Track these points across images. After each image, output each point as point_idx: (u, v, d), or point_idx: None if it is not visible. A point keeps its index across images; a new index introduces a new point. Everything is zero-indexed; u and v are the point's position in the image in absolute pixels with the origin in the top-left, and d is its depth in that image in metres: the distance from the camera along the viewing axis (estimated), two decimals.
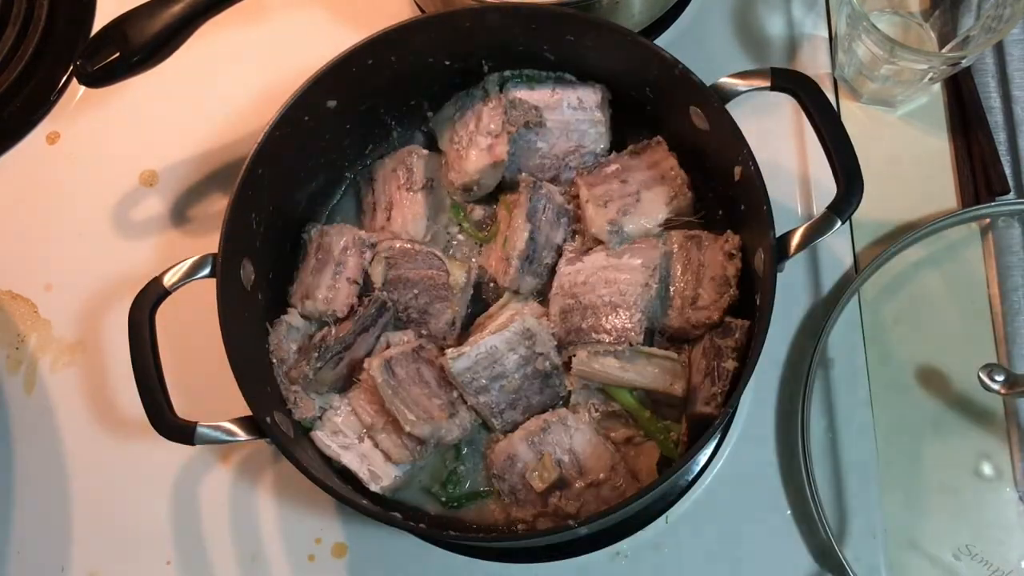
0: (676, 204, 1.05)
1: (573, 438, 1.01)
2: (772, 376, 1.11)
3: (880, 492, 1.05)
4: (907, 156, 1.17)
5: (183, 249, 1.09)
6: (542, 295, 1.08)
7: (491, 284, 1.10)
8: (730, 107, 0.96)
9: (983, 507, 1.05)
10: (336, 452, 1.01)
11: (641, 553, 1.07)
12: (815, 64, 1.20)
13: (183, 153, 1.25)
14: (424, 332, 1.07)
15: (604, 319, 1.01)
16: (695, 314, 1.01)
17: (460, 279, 1.06)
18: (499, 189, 1.13)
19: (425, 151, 1.13)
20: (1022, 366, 1.08)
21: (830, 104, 0.96)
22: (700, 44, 1.22)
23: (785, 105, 1.15)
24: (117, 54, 1.02)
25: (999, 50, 1.19)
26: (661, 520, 1.08)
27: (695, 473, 1.08)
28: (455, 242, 1.14)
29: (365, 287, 1.08)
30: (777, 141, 1.17)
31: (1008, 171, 1.15)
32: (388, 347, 1.04)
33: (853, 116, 1.19)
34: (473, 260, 1.12)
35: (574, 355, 1.02)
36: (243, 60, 1.27)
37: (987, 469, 1.06)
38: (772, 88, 0.96)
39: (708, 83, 0.97)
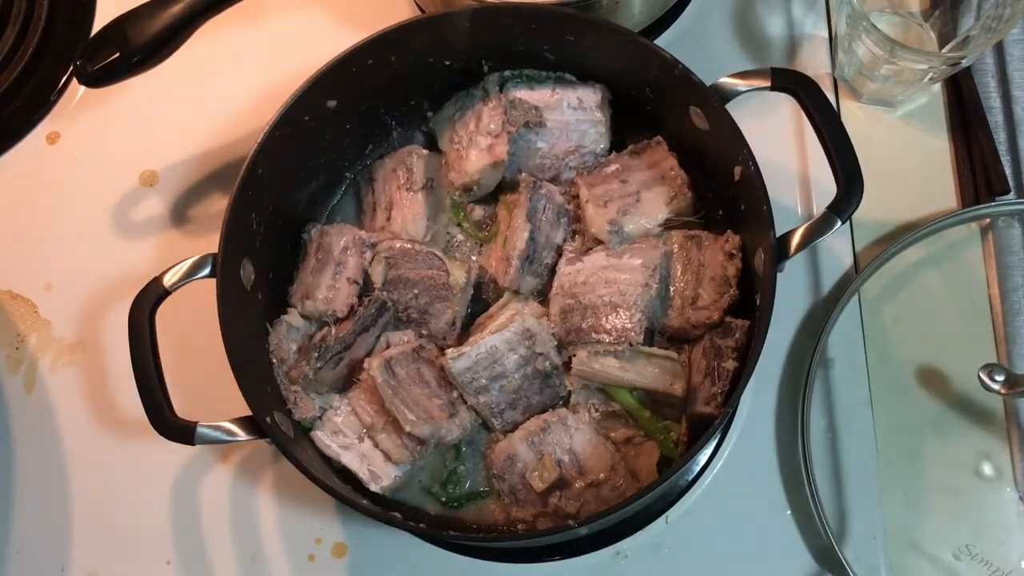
0: (676, 204, 1.05)
1: (573, 438, 1.01)
2: (772, 376, 1.11)
3: (880, 492, 1.05)
4: (907, 156, 1.17)
5: (183, 249, 1.09)
6: (542, 295, 1.08)
7: (491, 284, 1.10)
8: (730, 107, 0.96)
9: (983, 507, 1.05)
10: (336, 452, 1.01)
11: (641, 553, 1.07)
12: (815, 64, 1.20)
13: (183, 153, 1.25)
14: (424, 332, 1.07)
15: (604, 319, 1.01)
16: (695, 314, 1.01)
17: (460, 279, 1.06)
18: (499, 189, 1.13)
19: (425, 151, 1.13)
20: (1022, 366, 1.08)
21: (830, 104, 0.96)
22: (700, 44, 1.22)
23: (785, 105, 1.15)
24: (117, 54, 1.02)
25: (999, 50, 1.19)
26: (661, 520, 1.08)
27: (695, 473, 1.08)
28: (455, 242, 1.14)
29: (365, 287, 1.08)
30: (777, 141, 1.17)
31: (1008, 171, 1.15)
32: (388, 347, 1.04)
33: (853, 116, 1.19)
34: (473, 260, 1.12)
35: (574, 355, 1.02)
36: (243, 60, 1.27)
37: (987, 469, 1.06)
38: (772, 88, 0.96)
39: (708, 83, 0.97)
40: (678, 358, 1.02)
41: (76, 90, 1.29)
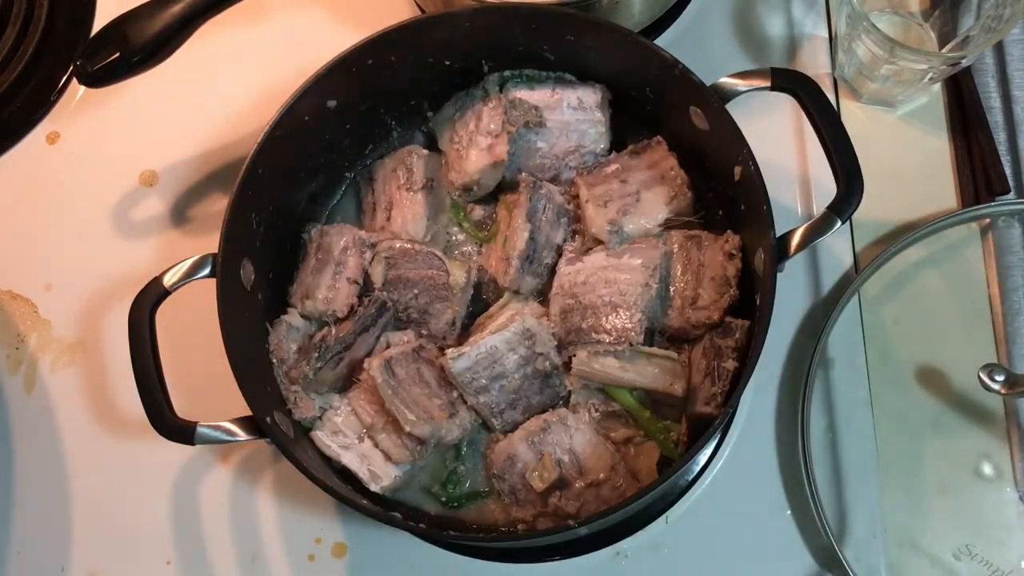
0: (676, 204, 1.05)
1: (573, 438, 1.01)
2: (772, 376, 1.11)
3: (880, 492, 1.05)
4: (907, 156, 1.17)
5: (183, 249, 1.09)
6: (542, 295, 1.08)
7: (491, 284, 1.10)
8: (730, 107, 0.96)
9: (983, 507, 1.05)
10: (336, 452, 1.01)
11: (641, 553, 1.07)
12: (815, 64, 1.20)
13: (183, 153, 1.25)
14: (424, 332, 1.07)
15: (604, 319, 1.01)
16: (695, 314, 1.01)
17: (460, 279, 1.06)
18: (499, 189, 1.13)
19: (425, 151, 1.13)
20: (1022, 366, 1.08)
21: (830, 104, 0.96)
22: (700, 44, 1.22)
23: (785, 105, 1.15)
24: (117, 54, 1.02)
25: (999, 50, 1.19)
26: (661, 520, 1.08)
27: (695, 473, 1.08)
28: (455, 242, 1.14)
29: (365, 287, 1.08)
30: (777, 141, 1.17)
31: (1008, 171, 1.15)
32: (388, 347, 1.04)
33: (853, 116, 1.19)
34: (473, 260, 1.12)
35: (574, 355, 1.02)
36: (243, 60, 1.27)
37: (987, 469, 1.06)
38: (772, 88, 0.96)
39: (708, 83, 0.97)
40: (678, 358, 1.02)
41: (76, 90, 1.29)
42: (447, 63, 1.09)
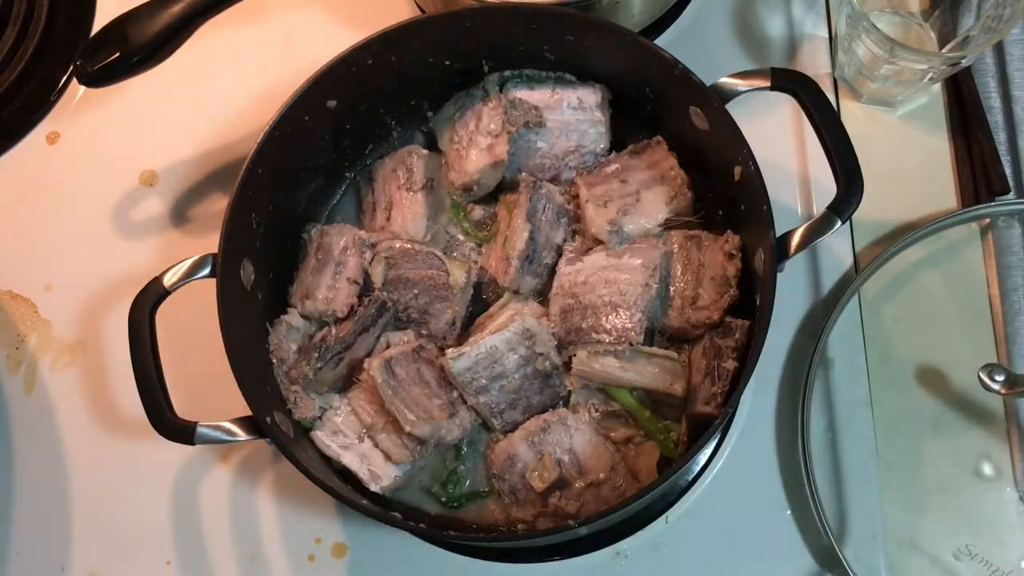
0: (676, 204, 1.05)
1: (573, 438, 1.01)
2: (772, 376, 1.11)
3: (880, 492, 1.05)
4: (907, 156, 1.17)
5: (183, 249, 1.09)
6: (542, 295, 1.08)
7: (491, 284, 1.10)
8: (730, 107, 0.96)
9: (983, 507, 1.05)
10: (336, 452, 1.01)
11: (641, 553, 1.07)
12: (815, 64, 1.20)
13: (183, 153, 1.25)
14: (424, 332, 1.07)
15: (604, 319, 1.01)
16: (695, 314, 1.01)
17: (460, 279, 1.06)
18: (499, 189, 1.13)
19: (425, 151, 1.13)
20: (1022, 366, 1.08)
21: (830, 104, 0.96)
22: (700, 44, 1.22)
23: (785, 105, 1.15)
24: (117, 54, 1.02)
25: (999, 50, 1.19)
26: (661, 520, 1.08)
27: (695, 473, 1.08)
28: (455, 242, 1.14)
29: (365, 287, 1.08)
30: (777, 141, 1.17)
31: (1008, 171, 1.15)
32: (388, 347, 1.04)
33: (853, 116, 1.19)
34: (473, 260, 1.12)
35: (574, 355, 1.02)
36: (243, 60, 1.27)
37: (987, 469, 1.06)
38: (772, 88, 0.96)
39: (708, 83, 0.97)
40: (678, 358, 1.02)
41: (76, 90, 1.29)
42: (447, 63, 1.09)
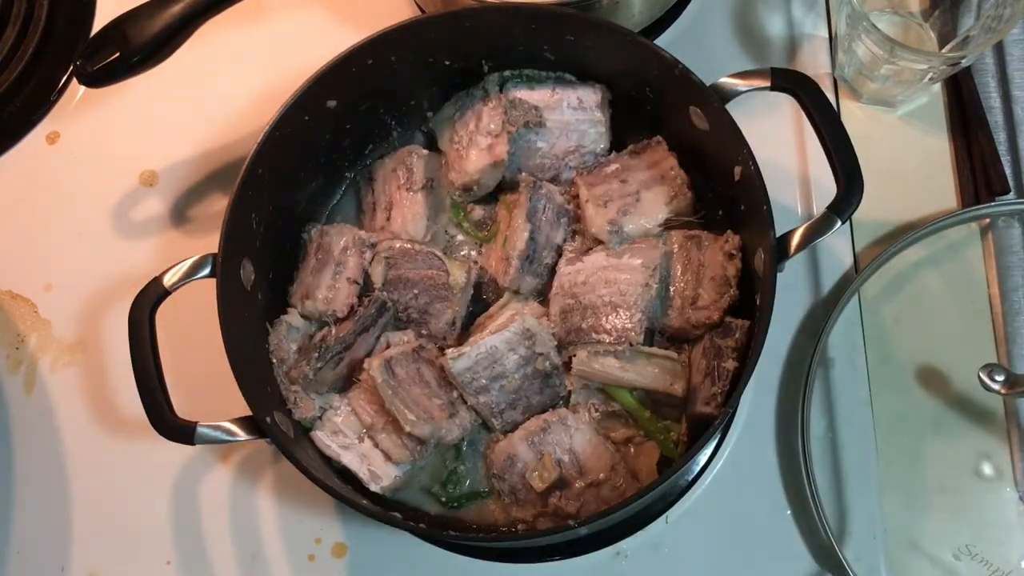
0: (676, 204, 1.05)
1: (573, 438, 1.01)
2: (772, 376, 1.11)
3: (880, 492, 1.05)
4: (907, 156, 1.17)
5: (183, 249, 1.09)
6: (542, 295, 1.08)
7: (491, 284, 1.10)
8: (730, 107, 0.96)
9: (983, 507, 1.05)
10: (336, 452, 1.01)
11: (641, 553, 1.07)
12: (815, 64, 1.20)
13: (183, 153, 1.25)
14: (424, 332, 1.07)
15: (604, 319, 1.01)
16: (695, 314, 1.01)
17: (460, 279, 1.06)
18: (499, 189, 1.13)
19: (425, 151, 1.14)
20: (1022, 366, 1.08)
21: (830, 104, 0.96)
22: (700, 44, 1.22)
23: (785, 105, 1.15)
24: (117, 54, 1.02)
25: (999, 50, 1.19)
26: (661, 520, 1.08)
27: (695, 473, 1.08)
28: (455, 242, 1.14)
29: (365, 287, 1.08)
30: (777, 141, 1.17)
31: (1008, 171, 1.15)
32: (388, 347, 1.04)
33: (853, 116, 1.19)
34: (473, 260, 1.12)
35: (574, 355, 1.02)
36: (243, 60, 1.27)
37: (987, 469, 1.06)
38: (772, 88, 0.96)
39: (708, 83, 0.97)
40: (678, 358, 1.02)
41: (76, 90, 1.29)
42: (447, 63, 1.09)
